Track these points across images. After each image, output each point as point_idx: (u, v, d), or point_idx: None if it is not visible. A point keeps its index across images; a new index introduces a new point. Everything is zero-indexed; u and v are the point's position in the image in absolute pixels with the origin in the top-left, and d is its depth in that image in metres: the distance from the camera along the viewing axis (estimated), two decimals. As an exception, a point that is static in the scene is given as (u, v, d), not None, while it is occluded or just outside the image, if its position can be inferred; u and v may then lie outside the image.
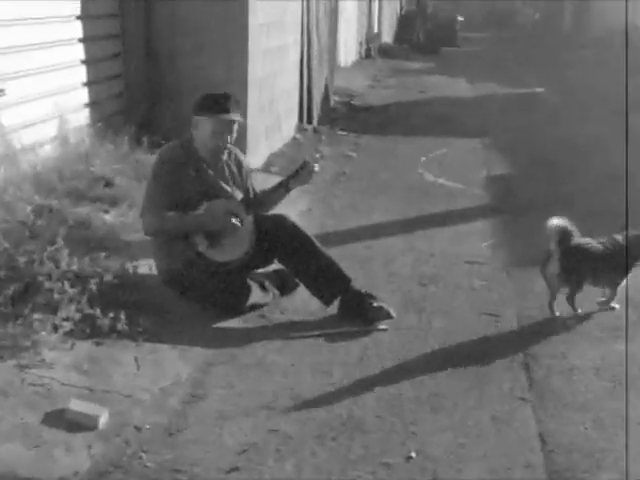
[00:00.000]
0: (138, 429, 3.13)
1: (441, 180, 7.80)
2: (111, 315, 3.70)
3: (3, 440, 2.90)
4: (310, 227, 5.89)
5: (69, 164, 5.74)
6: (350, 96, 13.19)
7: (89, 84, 6.62)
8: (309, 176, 4.42)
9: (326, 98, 11.26)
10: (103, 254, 4.21)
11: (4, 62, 5.30)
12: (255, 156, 7.80)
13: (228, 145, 4.34)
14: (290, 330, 4.17)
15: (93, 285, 3.79)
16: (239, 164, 4.52)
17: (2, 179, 5.16)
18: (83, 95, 6.55)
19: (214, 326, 4.14)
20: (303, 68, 9.79)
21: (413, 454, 3.09)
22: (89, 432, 3.05)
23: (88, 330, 3.71)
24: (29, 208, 4.83)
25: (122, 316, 3.71)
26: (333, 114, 11.30)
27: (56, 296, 3.62)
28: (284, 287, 4.58)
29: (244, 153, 7.63)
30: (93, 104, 6.67)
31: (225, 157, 4.41)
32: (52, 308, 3.63)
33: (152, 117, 7.30)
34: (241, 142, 7.59)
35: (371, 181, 7.69)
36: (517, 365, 3.87)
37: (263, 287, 4.43)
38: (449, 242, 5.83)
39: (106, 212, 5.32)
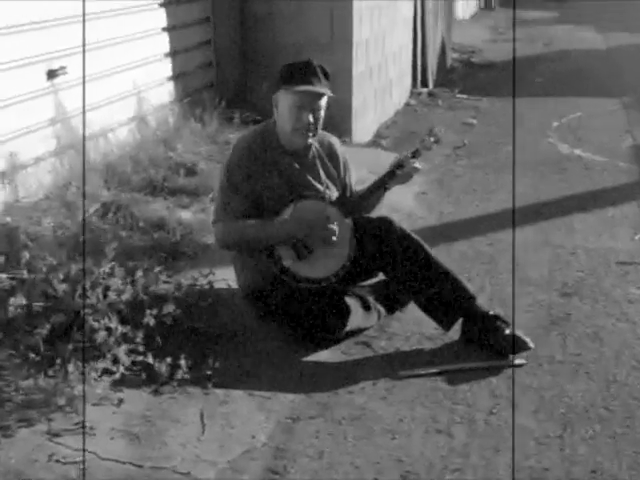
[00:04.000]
0: (193, 529, 2.36)
1: (578, 151, 6.74)
2: (169, 361, 2.92)
3: None
4: (425, 215, 5.09)
5: (147, 150, 5.01)
6: (469, 53, 12.14)
7: (173, 54, 5.85)
8: (409, 176, 3.53)
9: (443, 57, 10.24)
10: (164, 274, 3.43)
11: (64, 34, 4.57)
12: (362, 128, 6.94)
13: (318, 130, 3.47)
14: (399, 365, 3.30)
15: (151, 317, 3.01)
16: (334, 154, 3.63)
17: (66, 172, 4.47)
18: (166, 67, 5.79)
19: (303, 360, 3.32)
20: (417, 25, 8.79)
21: None
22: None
23: (144, 376, 2.96)
24: (92, 208, 4.13)
25: (182, 362, 2.92)
26: (451, 74, 10.31)
27: (101, 335, 2.86)
28: (393, 302, 3.71)
29: (349, 124, 6.86)
30: (178, 77, 5.91)
31: (316, 146, 3.56)
32: (96, 351, 2.89)
33: (245, 89, 6.52)
34: (345, 112, 6.75)
35: (494, 154, 6.70)
36: None
37: (366, 305, 3.58)
38: (593, 234, 4.83)
39: (185, 207, 4.57)
